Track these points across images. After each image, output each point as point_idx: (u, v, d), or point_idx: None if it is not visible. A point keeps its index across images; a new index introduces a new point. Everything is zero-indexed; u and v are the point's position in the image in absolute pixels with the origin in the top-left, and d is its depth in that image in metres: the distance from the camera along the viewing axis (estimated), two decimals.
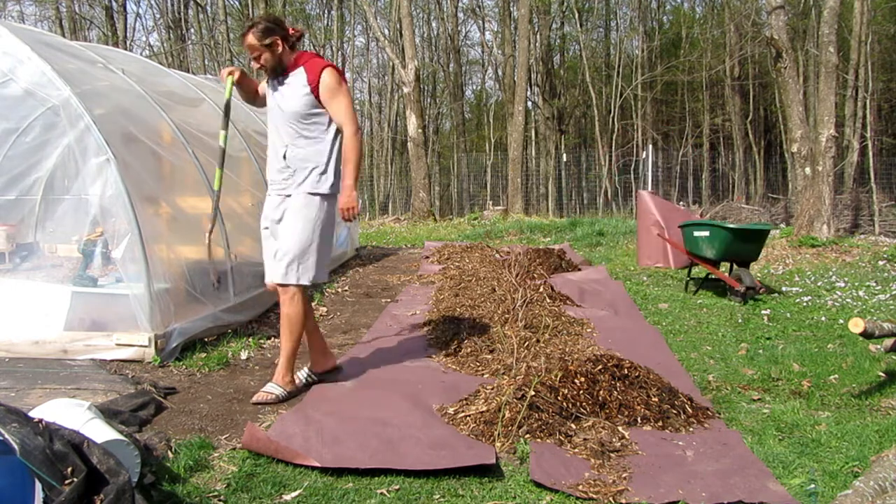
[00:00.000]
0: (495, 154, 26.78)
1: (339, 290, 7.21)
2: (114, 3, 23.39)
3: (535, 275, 7.32)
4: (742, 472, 2.83)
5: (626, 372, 3.68)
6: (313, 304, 6.40)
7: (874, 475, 2.35)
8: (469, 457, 2.85)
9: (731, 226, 6.69)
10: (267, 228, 3.80)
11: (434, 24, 31.36)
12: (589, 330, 5.30)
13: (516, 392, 3.36)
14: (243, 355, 4.61)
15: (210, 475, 2.80)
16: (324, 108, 3.65)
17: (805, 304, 6.41)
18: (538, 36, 26.86)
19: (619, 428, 3.24)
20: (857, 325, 3.52)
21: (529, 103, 26.73)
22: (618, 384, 3.54)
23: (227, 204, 5.59)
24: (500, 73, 27.66)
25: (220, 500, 2.60)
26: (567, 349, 4.53)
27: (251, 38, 3.58)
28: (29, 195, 5.62)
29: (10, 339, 4.28)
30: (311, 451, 2.91)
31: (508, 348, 4.45)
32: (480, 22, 31.44)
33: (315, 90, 3.61)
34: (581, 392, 3.45)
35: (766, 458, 2.99)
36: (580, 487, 2.68)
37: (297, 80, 3.65)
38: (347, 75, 31.78)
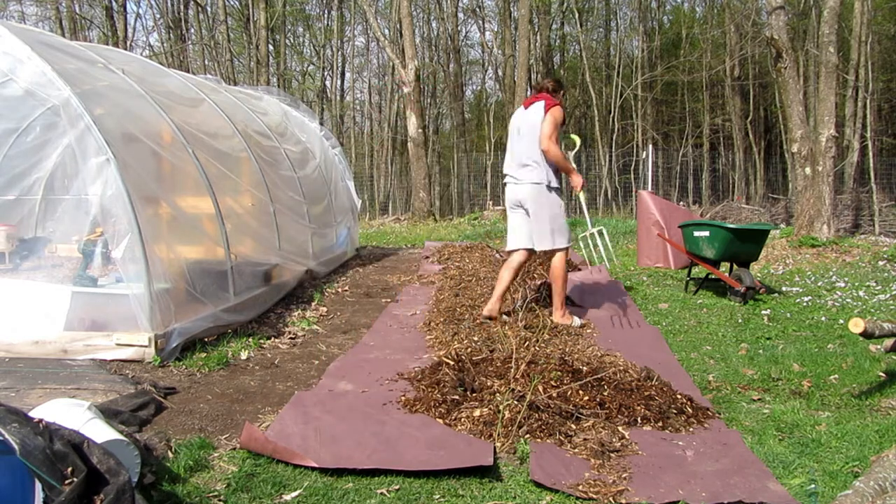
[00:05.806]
0: (495, 154, 26.70)
1: (340, 290, 7.21)
2: (114, 3, 23.36)
3: (535, 275, 7.32)
4: (742, 472, 2.83)
5: (626, 375, 3.67)
6: (313, 304, 6.41)
7: (874, 475, 2.35)
8: (466, 457, 2.85)
9: (732, 226, 6.68)
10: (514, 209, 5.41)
11: (434, 24, 31.36)
12: (589, 330, 5.31)
13: (516, 392, 3.35)
14: (243, 355, 4.61)
15: (210, 475, 2.80)
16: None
17: (805, 304, 6.41)
18: (538, 36, 26.85)
19: (619, 428, 3.24)
20: (857, 325, 3.52)
21: None
22: (617, 385, 3.54)
23: (226, 204, 5.59)
24: (500, 73, 27.66)
25: (220, 500, 2.60)
26: (567, 349, 4.53)
27: None
28: (29, 195, 5.64)
29: (10, 339, 4.28)
30: (308, 451, 2.91)
31: (508, 348, 4.44)
32: (480, 22, 31.49)
33: None
34: (581, 392, 3.45)
35: (766, 458, 2.99)
36: (580, 487, 2.68)
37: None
38: (347, 75, 31.85)
